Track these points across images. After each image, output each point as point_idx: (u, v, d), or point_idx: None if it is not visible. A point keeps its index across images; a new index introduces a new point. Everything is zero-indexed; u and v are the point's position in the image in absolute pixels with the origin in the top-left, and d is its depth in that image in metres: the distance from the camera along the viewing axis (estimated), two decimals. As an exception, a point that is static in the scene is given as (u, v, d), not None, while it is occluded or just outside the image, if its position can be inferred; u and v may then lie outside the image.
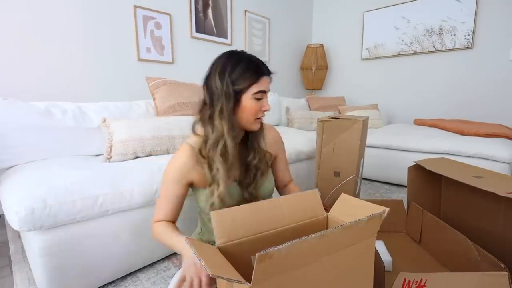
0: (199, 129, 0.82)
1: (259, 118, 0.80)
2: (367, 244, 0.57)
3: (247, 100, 0.76)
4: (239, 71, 0.74)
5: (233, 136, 0.76)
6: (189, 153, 0.79)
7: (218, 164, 0.76)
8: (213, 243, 0.88)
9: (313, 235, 0.44)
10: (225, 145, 0.76)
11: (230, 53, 0.78)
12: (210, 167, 0.79)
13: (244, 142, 0.87)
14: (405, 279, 0.77)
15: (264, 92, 0.77)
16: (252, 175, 0.86)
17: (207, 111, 0.78)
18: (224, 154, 0.76)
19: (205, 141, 0.79)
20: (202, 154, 0.80)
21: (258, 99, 0.77)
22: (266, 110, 0.79)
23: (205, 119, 0.78)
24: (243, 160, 0.85)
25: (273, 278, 0.43)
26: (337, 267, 0.52)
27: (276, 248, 0.40)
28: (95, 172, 1.04)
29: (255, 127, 0.81)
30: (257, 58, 0.79)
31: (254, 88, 0.75)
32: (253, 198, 0.87)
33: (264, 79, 0.77)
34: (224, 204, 0.78)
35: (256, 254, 0.39)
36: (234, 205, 0.70)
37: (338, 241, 0.49)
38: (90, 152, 1.42)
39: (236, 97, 0.75)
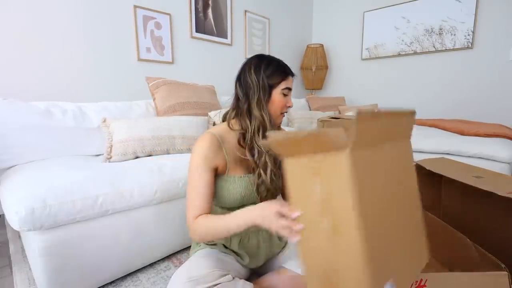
0: (233, 122, 0.88)
1: (283, 114, 0.90)
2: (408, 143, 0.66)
3: (277, 94, 0.85)
4: (272, 68, 0.85)
5: (272, 125, 0.86)
6: (210, 140, 0.82)
7: (262, 148, 0.84)
8: None
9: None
10: (264, 131, 0.84)
11: (260, 55, 0.89)
12: (252, 154, 0.85)
13: None
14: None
15: (290, 89, 0.88)
16: (278, 169, 0.93)
17: (243, 105, 0.85)
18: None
19: (243, 133, 0.86)
20: (241, 144, 0.86)
21: (285, 95, 0.87)
22: (289, 106, 0.89)
23: (242, 112, 0.85)
24: None
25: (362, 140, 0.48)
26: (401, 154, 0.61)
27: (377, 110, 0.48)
28: (95, 172, 1.04)
29: (279, 121, 0.91)
30: (282, 61, 0.89)
31: (283, 84, 0.85)
32: (273, 195, 0.92)
33: (290, 78, 0.88)
34: (272, 185, 0.85)
35: (359, 109, 0.45)
36: (265, 195, 0.86)
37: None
38: (90, 152, 1.42)
39: (269, 91, 0.85)
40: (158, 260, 1.20)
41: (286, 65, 0.89)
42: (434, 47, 2.94)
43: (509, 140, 1.99)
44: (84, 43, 1.91)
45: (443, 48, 2.89)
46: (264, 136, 0.84)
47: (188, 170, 0.82)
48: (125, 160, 1.28)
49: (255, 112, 0.83)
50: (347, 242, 0.49)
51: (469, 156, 1.89)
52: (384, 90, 3.38)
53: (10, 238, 1.42)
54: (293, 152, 0.54)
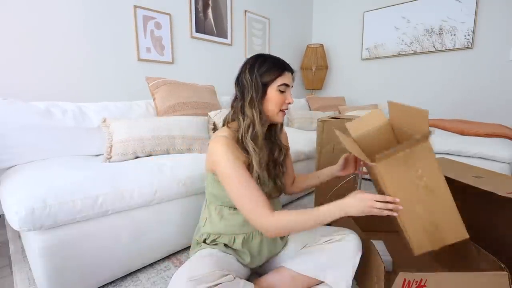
0: (232, 123, 0.91)
1: (282, 111, 0.90)
2: None
3: (273, 91, 0.86)
4: (266, 66, 0.85)
5: (262, 123, 0.86)
6: (226, 141, 0.83)
7: (250, 147, 0.85)
8: (216, 235, 0.89)
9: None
10: (254, 130, 0.85)
11: (258, 54, 0.90)
12: (247, 152, 0.86)
13: (269, 138, 0.97)
14: (405, 279, 0.78)
15: (287, 85, 0.87)
16: (279, 169, 0.96)
17: (238, 103, 0.88)
18: (254, 139, 0.86)
19: (238, 130, 0.88)
20: (238, 143, 0.87)
21: (282, 92, 0.87)
22: (289, 103, 0.89)
23: (237, 111, 0.88)
24: (270, 156, 0.96)
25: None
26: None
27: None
28: (95, 172, 1.04)
29: (279, 119, 0.91)
30: (281, 58, 0.90)
31: (279, 81, 0.86)
32: (279, 191, 0.97)
33: (287, 74, 0.88)
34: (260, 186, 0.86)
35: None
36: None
37: None
38: (90, 152, 1.42)
39: (264, 89, 0.85)
40: (158, 260, 1.20)
41: (283, 61, 0.89)
42: (434, 47, 2.94)
43: (509, 140, 1.99)
44: (84, 43, 1.90)
45: (443, 48, 2.89)
46: (252, 135, 0.85)
47: (225, 171, 0.80)
48: (125, 160, 1.28)
49: (247, 110, 0.85)
50: (442, 201, 0.79)
51: (469, 156, 1.89)
52: (384, 90, 3.38)
53: (10, 238, 1.42)
54: (385, 157, 0.74)
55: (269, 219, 0.76)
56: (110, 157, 1.28)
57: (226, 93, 2.63)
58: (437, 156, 1.94)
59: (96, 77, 1.98)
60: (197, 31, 2.54)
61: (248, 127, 0.85)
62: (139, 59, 2.18)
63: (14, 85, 1.66)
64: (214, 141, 0.84)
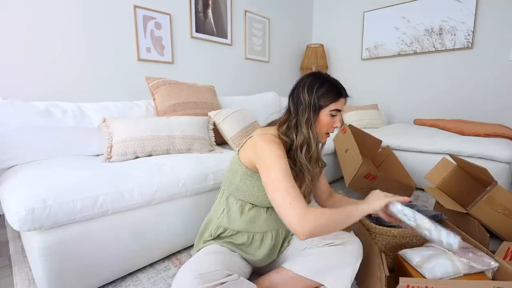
0: (282, 131, 0.90)
1: (328, 133, 0.92)
2: None
3: (324, 115, 0.88)
4: (325, 89, 0.87)
5: (316, 143, 0.89)
6: (274, 138, 0.85)
7: (303, 165, 0.87)
8: (234, 231, 0.91)
9: None
10: (310, 151, 0.88)
11: (317, 73, 0.92)
12: (294, 164, 0.88)
13: None
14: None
15: (339, 111, 0.90)
16: (312, 185, 0.97)
17: (293, 119, 0.89)
18: (307, 156, 0.88)
19: (289, 143, 0.89)
20: (288, 155, 0.88)
21: (333, 116, 0.89)
22: (336, 127, 0.92)
23: (291, 126, 0.89)
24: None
25: None
26: None
27: None
28: (95, 172, 1.04)
29: (323, 140, 0.94)
30: (339, 82, 0.92)
31: (332, 106, 0.87)
32: (308, 202, 0.97)
33: (342, 100, 0.90)
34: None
35: None
36: None
37: None
38: (90, 152, 1.42)
39: (318, 111, 0.88)
40: (158, 260, 1.20)
41: (341, 86, 0.90)
42: (434, 47, 2.94)
43: (509, 140, 1.99)
44: (84, 43, 1.90)
45: (443, 48, 2.89)
46: (307, 154, 0.87)
47: (269, 161, 0.79)
48: (125, 160, 1.28)
49: (303, 129, 0.87)
50: None
51: (469, 156, 1.89)
52: (384, 90, 3.38)
53: (10, 238, 1.42)
54: None
55: (305, 213, 0.71)
56: (110, 157, 1.28)
57: (226, 93, 2.63)
58: (437, 156, 1.94)
59: (96, 77, 1.98)
60: (197, 31, 2.53)
61: (302, 145, 0.87)
62: (139, 59, 2.18)
63: (14, 85, 1.66)
64: (261, 136, 0.85)
